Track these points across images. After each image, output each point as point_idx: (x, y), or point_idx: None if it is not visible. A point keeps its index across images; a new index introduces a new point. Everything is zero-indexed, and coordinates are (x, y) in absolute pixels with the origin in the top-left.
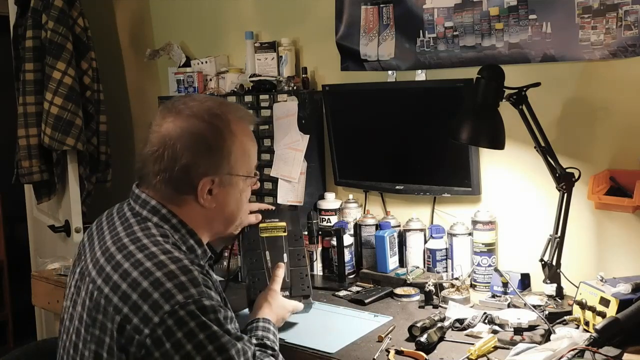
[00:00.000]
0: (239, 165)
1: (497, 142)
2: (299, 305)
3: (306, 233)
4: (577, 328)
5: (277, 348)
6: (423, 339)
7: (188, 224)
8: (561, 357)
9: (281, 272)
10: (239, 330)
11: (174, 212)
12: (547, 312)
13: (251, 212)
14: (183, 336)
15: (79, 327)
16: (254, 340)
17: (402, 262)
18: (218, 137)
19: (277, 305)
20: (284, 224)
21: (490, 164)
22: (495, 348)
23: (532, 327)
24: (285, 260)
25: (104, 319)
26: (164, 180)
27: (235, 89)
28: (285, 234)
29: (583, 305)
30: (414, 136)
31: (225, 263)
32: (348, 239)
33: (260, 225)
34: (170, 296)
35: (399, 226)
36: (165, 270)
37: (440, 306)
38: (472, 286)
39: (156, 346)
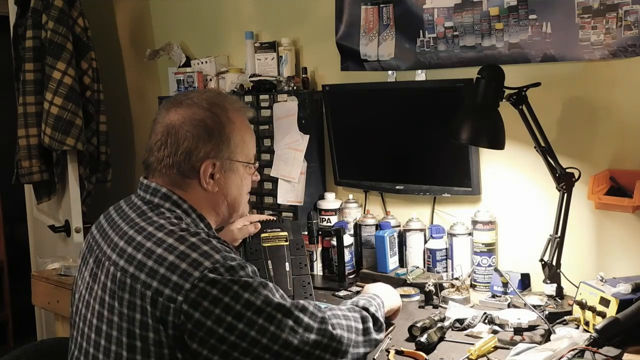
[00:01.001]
0: (238, 151)
1: (497, 142)
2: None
3: (306, 233)
4: (577, 328)
5: (374, 311)
6: (423, 339)
7: (197, 209)
8: (561, 357)
9: None
10: None
11: (183, 197)
12: (547, 312)
13: (251, 223)
14: (218, 292)
15: (100, 310)
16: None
17: (402, 262)
18: (217, 123)
19: (383, 288)
20: (285, 233)
21: (490, 164)
22: (495, 348)
23: (532, 327)
24: (288, 269)
25: (132, 297)
26: (167, 165)
27: (235, 89)
28: (287, 243)
29: (583, 305)
30: (414, 136)
31: None
32: (348, 239)
33: (262, 235)
34: (198, 264)
35: (399, 226)
36: (188, 244)
37: (440, 306)
38: (472, 286)
39: (194, 308)
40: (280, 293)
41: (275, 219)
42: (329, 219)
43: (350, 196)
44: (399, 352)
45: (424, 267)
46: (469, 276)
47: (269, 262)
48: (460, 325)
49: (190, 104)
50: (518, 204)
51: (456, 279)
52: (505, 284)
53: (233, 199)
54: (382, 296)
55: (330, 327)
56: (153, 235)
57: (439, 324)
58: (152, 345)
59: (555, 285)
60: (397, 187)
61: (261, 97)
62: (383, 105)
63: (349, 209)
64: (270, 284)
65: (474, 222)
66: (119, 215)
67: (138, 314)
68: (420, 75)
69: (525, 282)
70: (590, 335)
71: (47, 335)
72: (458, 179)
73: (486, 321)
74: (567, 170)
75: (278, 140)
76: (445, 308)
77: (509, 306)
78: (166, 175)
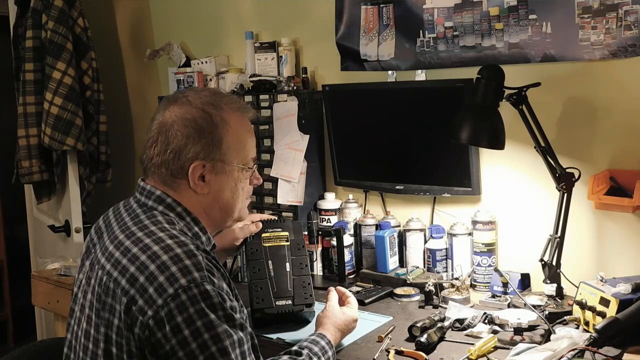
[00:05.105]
0: (233, 154)
1: (497, 142)
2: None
3: (306, 233)
4: (577, 328)
5: None
6: (423, 339)
7: (192, 212)
8: (561, 357)
9: (333, 293)
10: (245, 320)
11: (177, 200)
12: (547, 312)
13: (253, 222)
14: (182, 321)
15: (89, 314)
16: (294, 348)
17: (402, 262)
18: (209, 123)
19: (334, 315)
20: (286, 233)
21: (490, 164)
22: (495, 348)
23: (532, 327)
24: (288, 269)
25: (113, 302)
26: (157, 163)
27: (235, 89)
28: (288, 243)
29: (583, 305)
30: (414, 136)
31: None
32: (348, 239)
33: (263, 235)
34: (174, 280)
35: (399, 226)
36: (171, 254)
37: (440, 306)
38: (472, 286)
39: (158, 327)
40: (246, 347)
41: (276, 218)
42: (329, 219)
43: (350, 196)
44: (399, 352)
45: (424, 267)
46: (469, 276)
47: (270, 262)
48: (460, 325)
49: (185, 102)
50: (518, 204)
51: (456, 279)
52: (505, 284)
53: (225, 202)
54: (331, 331)
55: None
56: (140, 241)
57: (439, 324)
58: (125, 353)
59: (555, 285)
60: (397, 187)
61: (261, 97)
62: (383, 106)
63: (349, 209)
64: (236, 336)
65: (474, 222)
66: (115, 218)
67: (116, 319)
68: (420, 75)
69: (525, 282)
70: (590, 335)
71: (47, 335)
72: (458, 179)
73: (486, 321)
74: (567, 170)
75: (278, 140)
76: (445, 308)
77: (509, 306)
78: (157, 175)
